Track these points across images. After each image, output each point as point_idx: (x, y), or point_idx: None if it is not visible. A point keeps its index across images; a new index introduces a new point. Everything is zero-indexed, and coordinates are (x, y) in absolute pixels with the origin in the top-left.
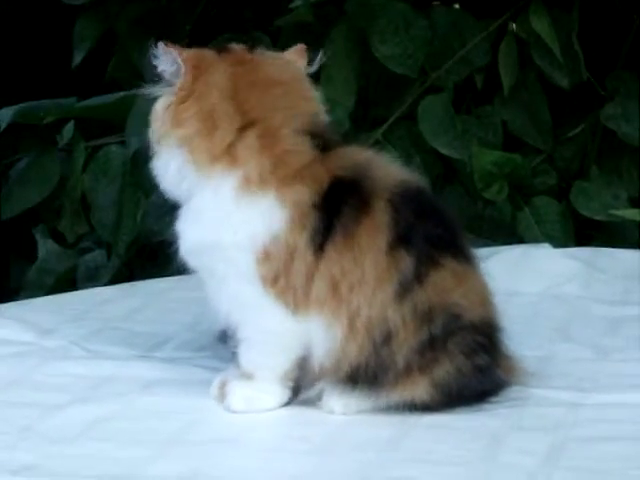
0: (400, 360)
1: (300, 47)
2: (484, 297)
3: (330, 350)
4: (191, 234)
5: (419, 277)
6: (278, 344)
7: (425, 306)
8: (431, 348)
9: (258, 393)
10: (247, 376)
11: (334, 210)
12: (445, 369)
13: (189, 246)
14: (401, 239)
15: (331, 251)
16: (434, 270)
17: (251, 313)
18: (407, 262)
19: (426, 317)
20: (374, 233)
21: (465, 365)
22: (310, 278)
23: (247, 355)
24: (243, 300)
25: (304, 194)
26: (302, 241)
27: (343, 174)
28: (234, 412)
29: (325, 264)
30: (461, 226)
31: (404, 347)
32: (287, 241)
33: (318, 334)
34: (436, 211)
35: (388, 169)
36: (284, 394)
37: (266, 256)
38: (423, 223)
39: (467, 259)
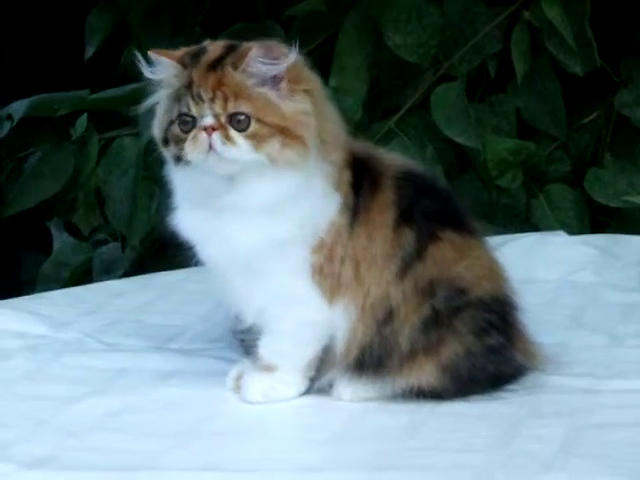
0: (403, 341)
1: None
2: (492, 272)
3: (344, 335)
4: (247, 236)
5: (419, 252)
6: (312, 335)
7: (425, 280)
8: (436, 326)
9: (277, 384)
10: (268, 368)
11: (358, 187)
12: (453, 350)
13: (243, 249)
14: (404, 215)
15: (357, 229)
16: (433, 244)
17: (291, 306)
18: (409, 238)
19: (427, 291)
20: (384, 209)
21: (475, 345)
22: (343, 262)
23: (273, 347)
24: (285, 293)
25: (348, 174)
26: (344, 222)
27: (357, 152)
28: (250, 403)
29: (352, 244)
30: (465, 206)
31: (407, 325)
32: (336, 225)
33: (339, 320)
34: (436, 190)
35: (391, 154)
36: (304, 384)
37: (321, 244)
38: (423, 199)
39: (470, 233)
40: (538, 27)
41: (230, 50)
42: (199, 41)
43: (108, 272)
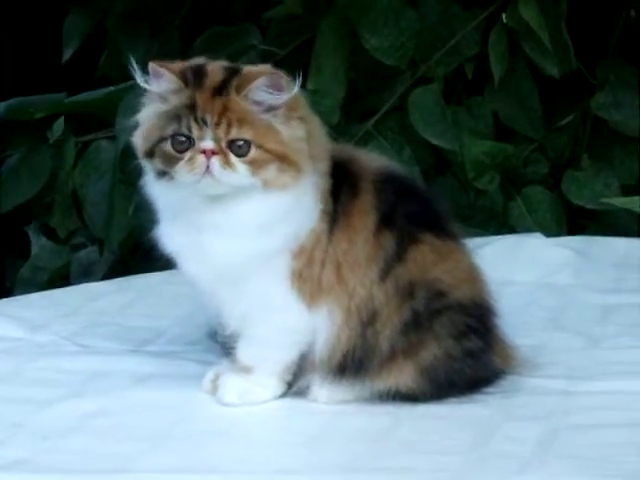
0: (384, 343)
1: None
2: (472, 276)
3: (328, 338)
4: (231, 253)
5: (400, 254)
6: (290, 340)
7: (405, 281)
8: (415, 329)
9: (253, 386)
10: (245, 370)
11: (336, 192)
12: (432, 353)
13: (227, 261)
14: (385, 218)
15: (337, 234)
16: (414, 246)
17: (270, 311)
18: (390, 240)
19: (407, 292)
20: (364, 213)
21: (454, 349)
22: (323, 265)
23: (250, 350)
24: (265, 300)
25: (326, 181)
26: (324, 228)
27: (335, 155)
28: (226, 405)
29: (333, 248)
30: (445, 208)
31: (387, 327)
32: (316, 231)
33: (322, 324)
34: (415, 191)
35: (368, 156)
36: (280, 387)
37: (301, 250)
38: (403, 202)
39: (450, 237)
40: (515, 29)
41: (232, 74)
42: (177, 47)
43: (86, 275)
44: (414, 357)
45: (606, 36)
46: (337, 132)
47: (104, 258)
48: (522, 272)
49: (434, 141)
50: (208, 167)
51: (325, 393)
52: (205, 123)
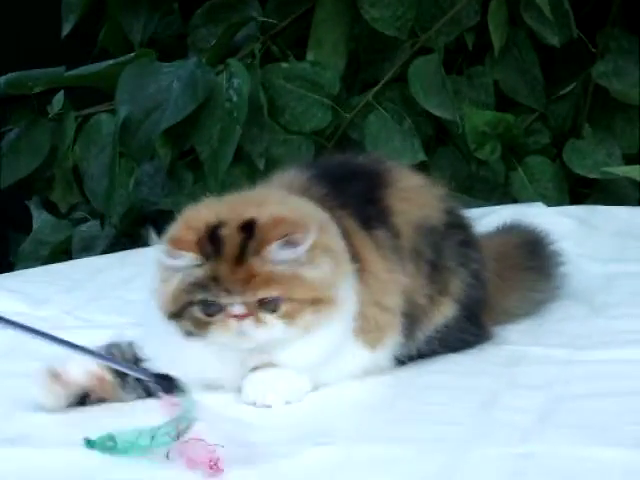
0: (422, 300)
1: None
2: (426, 194)
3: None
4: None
5: (394, 232)
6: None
7: (410, 248)
8: (437, 272)
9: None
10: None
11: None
12: (456, 285)
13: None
14: (362, 224)
15: (361, 275)
16: (391, 215)
17: (335, 367)
18: (378, 231)
19: (415, 254)
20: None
21: (466, 276)
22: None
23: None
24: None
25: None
26: (357, 287)
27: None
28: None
29: (363, 288)
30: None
31: (420, 287)
32: (354, 287)
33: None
34: (342, 167)
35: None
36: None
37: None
38: (348, 187)
39: (387, 173)
40: None
41: (247, 234)
42: (177, 19)
43: (87, 250)
44: (447, 295)
45: (606, 4)
46: (338, 104)
47: (105, 232)
48: None
49: (435, 111)
50: (242, 330)
51: None
52: (230, 292)
